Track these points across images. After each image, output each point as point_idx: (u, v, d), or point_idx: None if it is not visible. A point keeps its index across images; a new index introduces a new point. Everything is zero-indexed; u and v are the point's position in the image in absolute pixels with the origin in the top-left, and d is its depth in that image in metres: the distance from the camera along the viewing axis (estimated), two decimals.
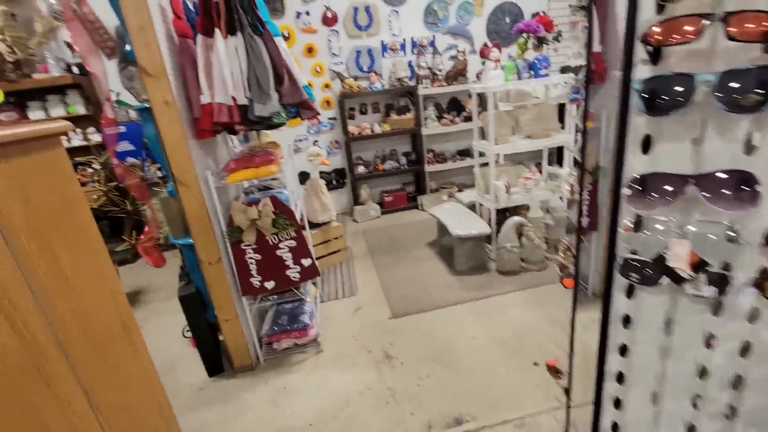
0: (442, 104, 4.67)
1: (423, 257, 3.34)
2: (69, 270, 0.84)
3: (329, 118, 4.50)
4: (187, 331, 2.37)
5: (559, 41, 3.70)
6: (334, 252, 3.38)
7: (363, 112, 4.53)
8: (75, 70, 3.78)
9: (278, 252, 1.99)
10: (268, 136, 2.77)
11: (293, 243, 1.99)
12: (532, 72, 2.92)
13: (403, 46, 4.40)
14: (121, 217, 3.84)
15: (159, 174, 3.84)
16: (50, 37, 3.79)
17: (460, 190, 4.82)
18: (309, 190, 3.21)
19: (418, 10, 4.33)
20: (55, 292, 0.79)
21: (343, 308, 2.71)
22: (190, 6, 1.95)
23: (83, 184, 3.89)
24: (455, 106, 4.70)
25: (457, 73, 4.43)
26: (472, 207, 3.44)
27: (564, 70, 4.62)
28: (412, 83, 4.43)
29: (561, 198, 3.04)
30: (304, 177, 4.19)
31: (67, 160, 0.86)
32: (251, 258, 1.98)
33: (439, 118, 4.56)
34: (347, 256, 3.49)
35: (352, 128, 4.37)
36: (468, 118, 4.57)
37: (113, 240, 3.90)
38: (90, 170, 3.79)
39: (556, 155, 4.67)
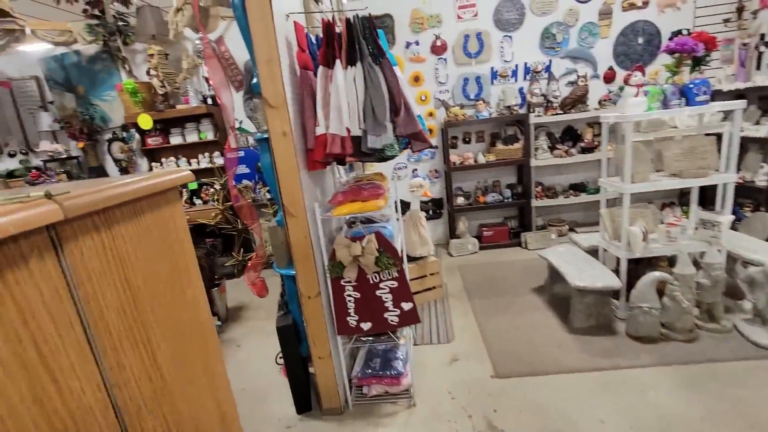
0: (556, 134, 4.24)
1: (529, 306, 2.93)
2: (168, 370, 0.66)
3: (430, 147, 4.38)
4: (280, 358, 2.35)
5: (707, 63, 3.11)
6: (430, 288, 3.16)
7: (466, 141, 4.33)
8: (209, 101, 4.25)
9: (378, 292, 1.85)
10: (373, 165, 2.72)
11: (394, 284, 1.83)
12: (684, 98, 2.42)
13: (514, 73, 4.13)
14: (233, 234, 4.15)
15: (268, 195, 4.09)
16: (193, 73, 4.35)
17: (571, 229, 4.29)
18: (408, 222, 3.07)
19: (534, 34, 4.05)
20: (147, 408, 0.61)
21: (438, 356, 2.46)
22: (313, 39, 1.98)
23: (205, 202, 4.31)
24: (571, 135, 4.24)
25: (576, 100, 3.99)
26: (592, 252, 2.96)
27: (713, 95, 3.90)
28: (522, 111, 4.11)
29: (719, 251, 2.43)
30: (402, 206, 4.11)
31: (182, 217, 0.71)
32: (350, 296, 1.86)
33: (552, 148, 4.13)
34: (443, 294, 3.24)
35: (454, 157, 4.18)
36: (586, 149, 4.07)
37: (224, 255, 4.22)
38: (212, 190, 4.18)
39: (698, 195, 3.89)
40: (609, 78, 4.11)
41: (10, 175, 4.29)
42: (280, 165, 1.69)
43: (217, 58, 4.22)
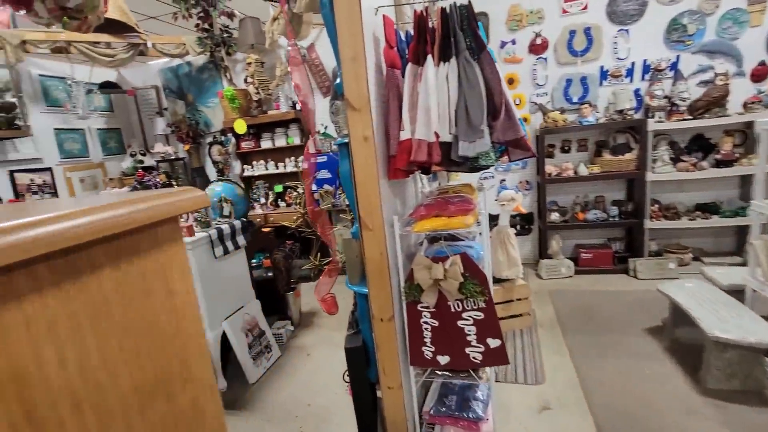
0: (680, 143, 3.56)
1: (642, 351, 2.42)
2: None
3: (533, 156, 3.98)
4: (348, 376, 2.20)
5: None
6: (516, 316, 2.80)
7: (565, 150, 3.84)
8: (297, 107, 4.36)
9: (460, 323, 1.59)
10: (459, 175, 2.47)
11: (480, 315, 1.56)
12: None
13: (630, 72, 3.56)
14: (311, 238, 4.18)
15: (347, 202, 4.05)
16: (285, 80, 4.50)
17: (696, 258, 3.56)
18: (494, 239, 2.75)
19: (659, 26, 3.44)
20: None
21: (525, 399, 2.11)
22: (402, 36, 1.81)
23: (288, 205, 4.42)
24: (700, 145, 3.52)
25: (711, 103, 3.30)
26: (732, 292, 2.34)
27: None
28: (638, 116, 3.53)
29: None
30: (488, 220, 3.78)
31: (185, 268, 0.42)
32: (427, 323, 1.64)
33: (675, 160, 3.47)
34: (531, 323, 2.85)
35: (550, 168, 3.72)
36: (722, 163, 3.34)
37: (302, 257, 4.27)
38: (295, 194, 4.27)
39: None
40: (760, 75, 3.33)
41: (126, 173, 4.86)
42: (359, 173, 1.53)
43: (306, 64, 4.31)
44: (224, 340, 2.48)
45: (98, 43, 3.94)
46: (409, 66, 1.50)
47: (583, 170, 3.63)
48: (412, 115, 1.50)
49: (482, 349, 1.59)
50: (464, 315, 1.58)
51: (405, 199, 1.97)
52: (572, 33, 3.59)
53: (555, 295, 3.34)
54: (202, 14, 4.17)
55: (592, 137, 3.77)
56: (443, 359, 1.65)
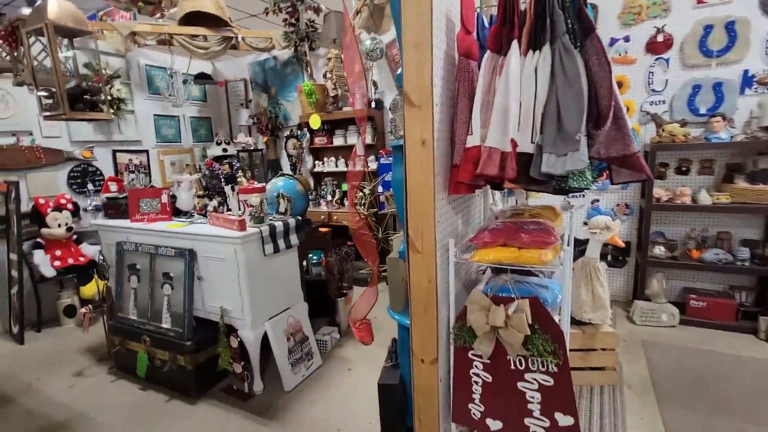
0: None
1: None
2: None
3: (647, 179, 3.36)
4: None
5: None
6: (597, 368, 2.30)
7: (682, 171, 3.15)
8: (372, 104, 4.21)
9: (521, 385, 1.25)
10: (543, 194, 2.07)
11: (549, 381, 1.21)
12: None
13: None
14: (371, 241, 4.00)
15: None
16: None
17: None
18: (579, 272, 2.29)
19: None
20: None
21: None
22: (485, 21, 1.50)
23: (353, 205, 4.29)
24: None
25: None
26: None
27: None
28: None
29: None
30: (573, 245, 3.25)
31: None
32: (478, 376, 1.32)
33: None
34: (614, 381, 2.33)
35: (660, 191, 3.08)
36: None
37: (360, 260, 4.12)
38: (360, 194, 4.12)
39: None
40: None
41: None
42: (412, 183, 1.27)
43: (386, 60, 4.12)
44: (266, 340, 2.39)
45: (197, 36, 4.18)
46: (488, 55, 1.20)
47: (705, 198, 2.93)
48: (484, 117, 1.20)
49: (547, 424, 1.23)
50: (527, 376, 1.24)
51: (469, 217, 1.66)
52: (708, 28, 2.91)
53: (650, 348, 2.73)
54: (290, 9, 4.22)
55: (722, 158, 3.03)
56: (494, 424, 1.32)
